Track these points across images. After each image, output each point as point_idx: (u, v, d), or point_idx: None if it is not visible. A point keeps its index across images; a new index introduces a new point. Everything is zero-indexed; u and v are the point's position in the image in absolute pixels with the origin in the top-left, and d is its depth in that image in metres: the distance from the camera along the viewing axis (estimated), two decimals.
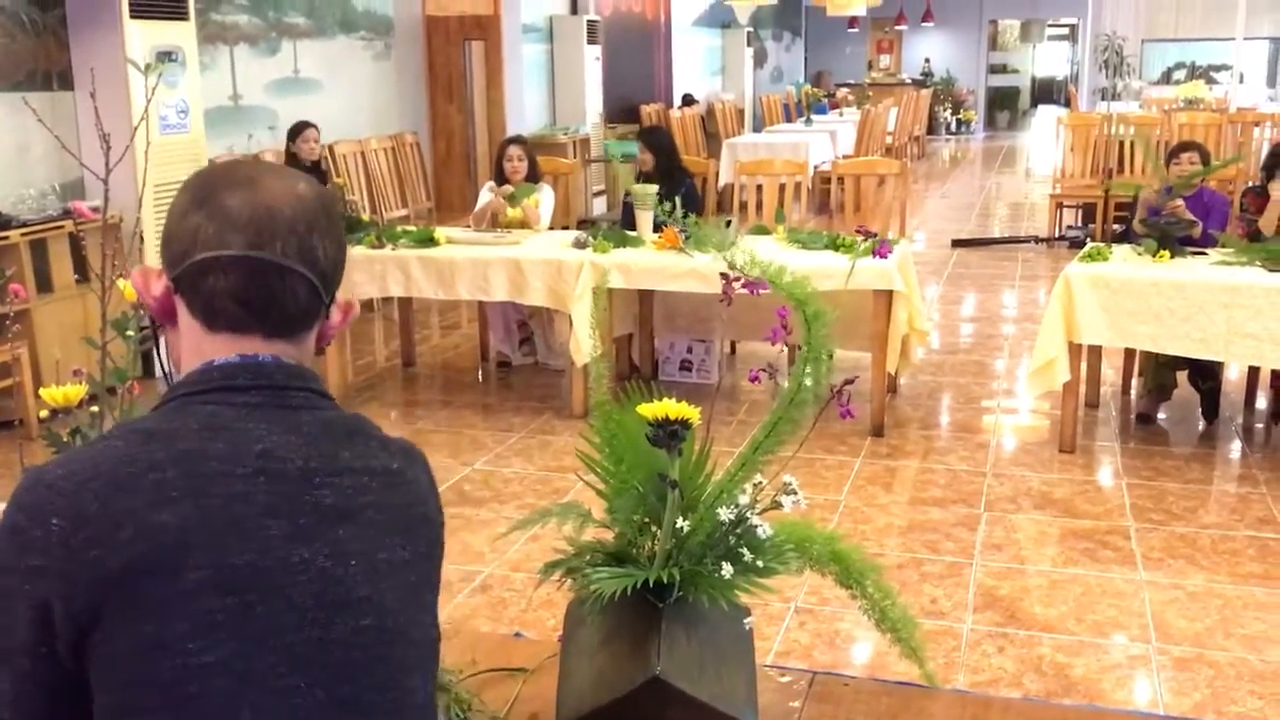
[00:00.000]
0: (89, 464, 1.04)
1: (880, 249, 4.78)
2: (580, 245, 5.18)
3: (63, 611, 1.00)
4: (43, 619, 1.01)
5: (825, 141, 11.63)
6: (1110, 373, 5.51)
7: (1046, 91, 24.90)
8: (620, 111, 12.09)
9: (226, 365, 1.12)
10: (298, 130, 6.57)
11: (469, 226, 5.91)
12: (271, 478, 1.07)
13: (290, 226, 1.12)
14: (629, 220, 5.59)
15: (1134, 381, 5.34)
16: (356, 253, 5.27)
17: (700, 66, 15.68)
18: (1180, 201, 4.79)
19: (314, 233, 1.13)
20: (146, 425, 1.09)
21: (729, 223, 5.50)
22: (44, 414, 1.52)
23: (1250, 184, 6.61)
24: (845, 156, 11.27)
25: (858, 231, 5.06)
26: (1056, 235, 9.47)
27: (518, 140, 6.17)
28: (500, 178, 5.92)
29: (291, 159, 6.48)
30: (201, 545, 1.02)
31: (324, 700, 1.04)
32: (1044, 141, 16.76)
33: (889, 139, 13.87)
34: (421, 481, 1.19)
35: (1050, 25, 24.77)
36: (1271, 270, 4.37)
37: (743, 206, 6.69)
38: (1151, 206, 4.82)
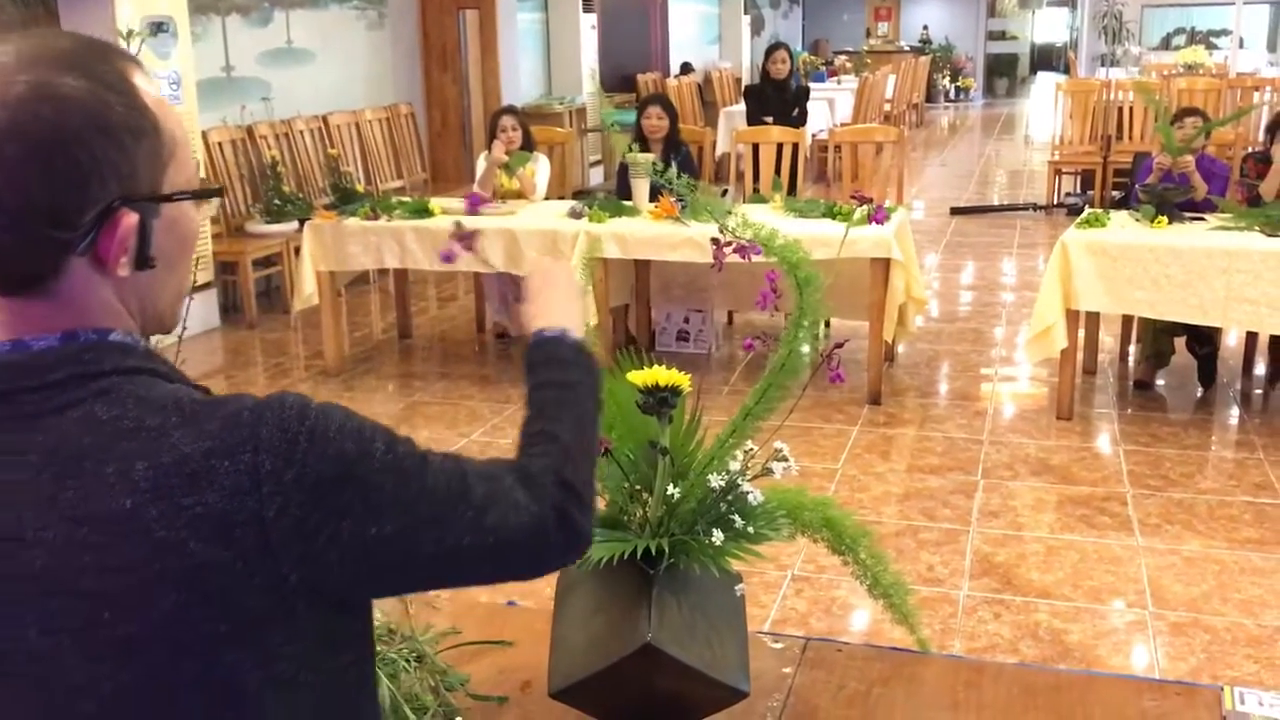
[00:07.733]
0: None
1: (876, 214, 4.75)
2: (576, 215, 5.16)
3: None
4: None
5: (823, 109, 11.56)
6: (1108, 339, 5.50)
7: (1046, 58, 24.74)
8: (617, 80, 12.01)
9: None
10: (770, 50, 7.58)
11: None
12: None
13: None
14: (624, 189, 5.57)
15: (1132, 348, 5.33)
16: (352, 224, 5.26)
17: (697, 34, 15.56)
18: (1190, 158, 4.78)
19: None
20: None
21: (725, 191, 5.48)
22: None
23: (1250, 150, 6.59)
24: (843, 124, 11.20)
25: (853, 198, 5.03)
26: (1055, 202, 9.44)
27: (511, 110, 6.13)
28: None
29: (765, 77, 7.53)
30: None
31: None
32: (1043, 108, 16.66)
33: (887, 107, 13.78)
34: (194, 511, 0.83)
35: None
36: (1270, 235, 4.35)
37: (740, 176, 6.65)
38: (1166, 171, 4.80)
